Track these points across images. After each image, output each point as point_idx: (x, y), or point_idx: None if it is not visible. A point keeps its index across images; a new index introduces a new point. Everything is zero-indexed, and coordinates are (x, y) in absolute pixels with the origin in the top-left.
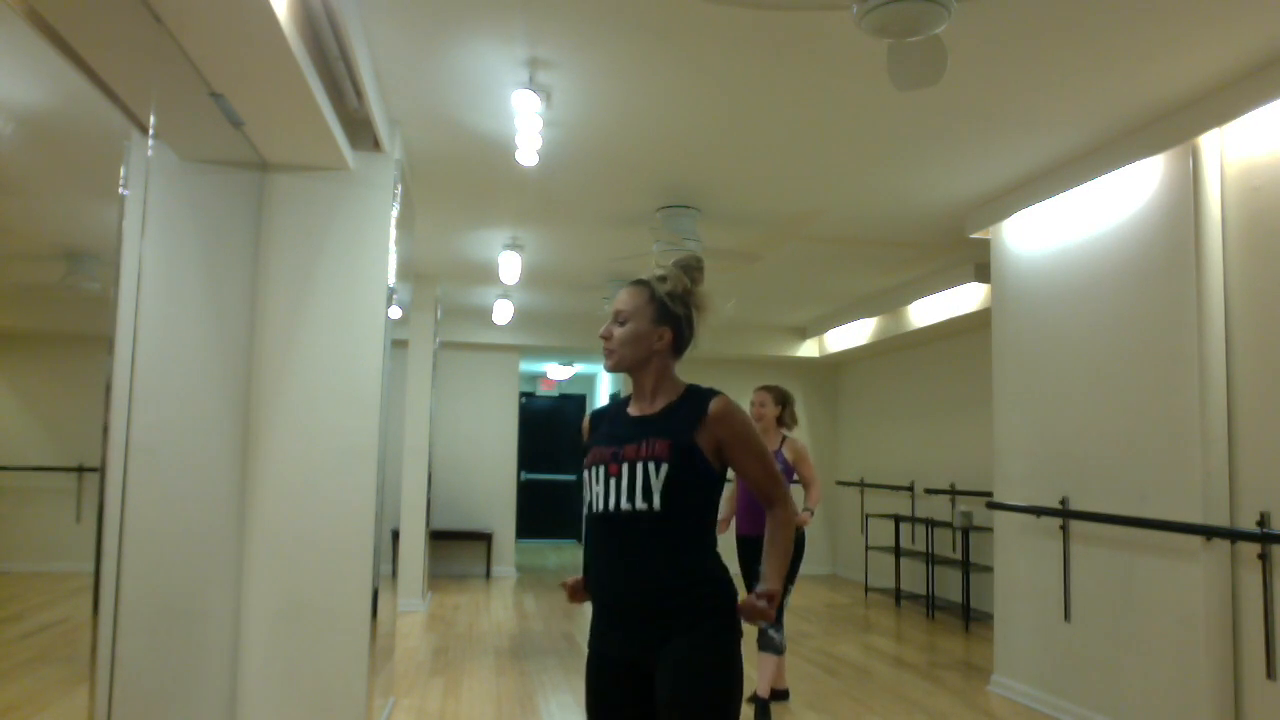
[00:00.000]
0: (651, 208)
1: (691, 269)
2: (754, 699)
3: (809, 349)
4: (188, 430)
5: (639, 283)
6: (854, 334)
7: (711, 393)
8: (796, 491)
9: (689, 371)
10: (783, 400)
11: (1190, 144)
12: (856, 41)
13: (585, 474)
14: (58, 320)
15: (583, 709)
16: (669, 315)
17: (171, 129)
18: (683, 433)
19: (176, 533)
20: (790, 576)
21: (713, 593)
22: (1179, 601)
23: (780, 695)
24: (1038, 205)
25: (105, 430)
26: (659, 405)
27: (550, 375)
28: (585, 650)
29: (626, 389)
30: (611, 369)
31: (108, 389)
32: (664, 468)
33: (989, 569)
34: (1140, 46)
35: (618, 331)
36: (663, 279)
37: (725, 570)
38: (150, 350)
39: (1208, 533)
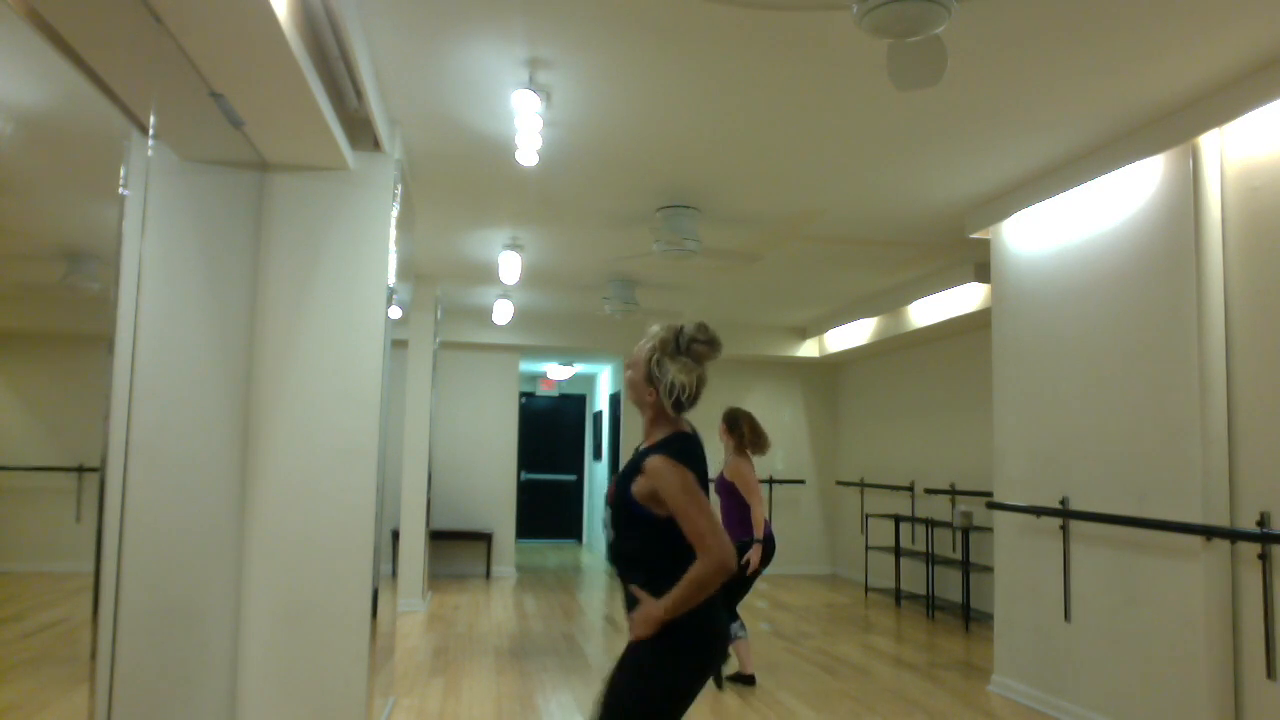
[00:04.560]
0: (651, 208)
1: (692, 343)
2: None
3: (809, 349)
4: (188, 430)
5: (651, 339)
6: (854, 334)
7: (650, 451)
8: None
9: None
10: (730, 424)
11: (1190, 144)
12: (856, 41)
13: None
14: (58, 320)
15: (582, 709)
16: (654, 378)
17: (171, 129)
18: (625, 480)
19: (176, 533)
20: (748, 585)
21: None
22: (1179, 601)
23: (747, 679)
24: (1038, 205)
25: (105, 430)
26: (644, 445)
27: (550, 375)
28: (584, 650)
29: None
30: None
31: (108, 389)
32: (608, 510)
33: (989, 569)
34: (1140, 46)
35: (628, 375)
36: (656, 350)
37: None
38: (150, 350)
39: (1208, 533)
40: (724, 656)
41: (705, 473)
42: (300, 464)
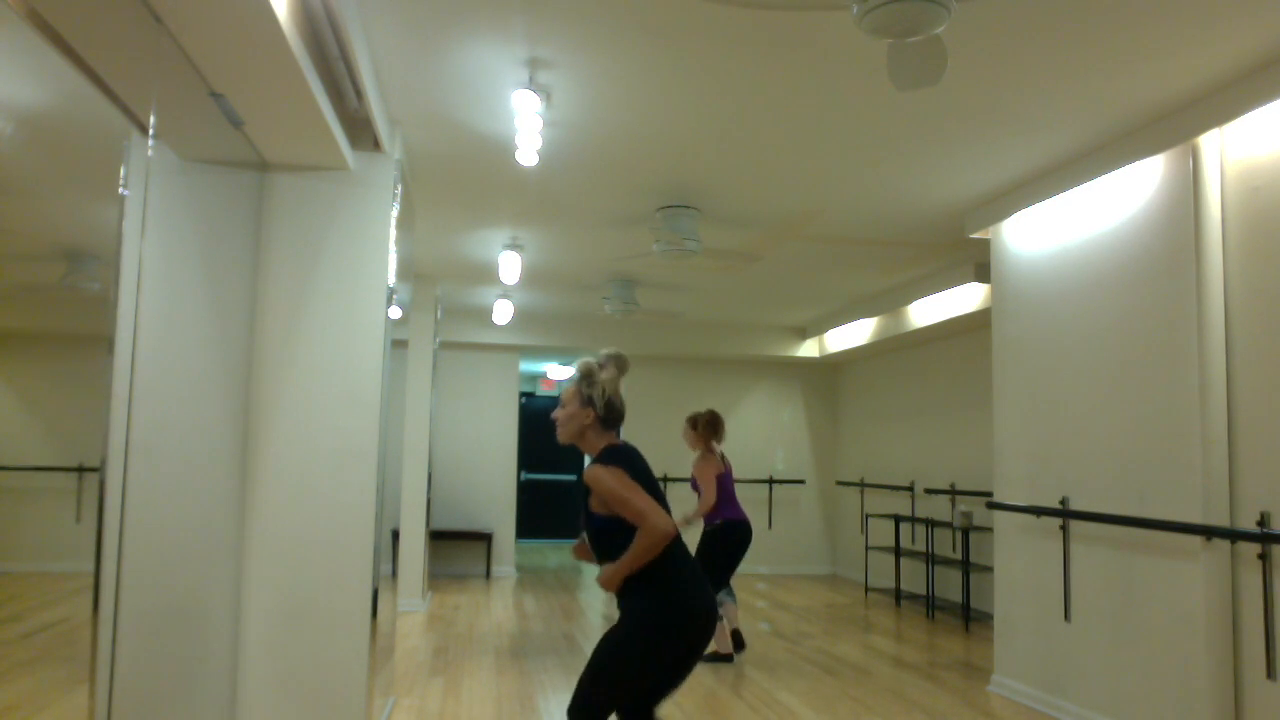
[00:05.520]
0: (651, 208)
1: (608, 361)
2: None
3: (809, 349)
4: (188, 430)
5: (573, 377)
6: (854, 334)
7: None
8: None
9: (694, 368)
10: (694, 424)
11: (1190, 144)
12: (856, 41)
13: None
14: (58, 320)
15: None
16: (588, 399)
17: (171, 129)
18: (585, 505)
19: (176, 533)
20: (730, 564)
21: (634, 602)
22: (1179, 601)
23: (739, 644)
24: (1038, 205)
25: (105, 430)
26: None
27: (550, 375)
28: (584, 650)
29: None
30: (561, 442)
31: (108, 389)
32: (581, 516)
33: (989, 569)
34: (1140, 46)
35: (560, 414)
36: (586, 373)
37: (663, 586)
38: (150, 350)
39: (1208, 533)
40: (707, 636)
41: (644, 468)
42: (300, 464)
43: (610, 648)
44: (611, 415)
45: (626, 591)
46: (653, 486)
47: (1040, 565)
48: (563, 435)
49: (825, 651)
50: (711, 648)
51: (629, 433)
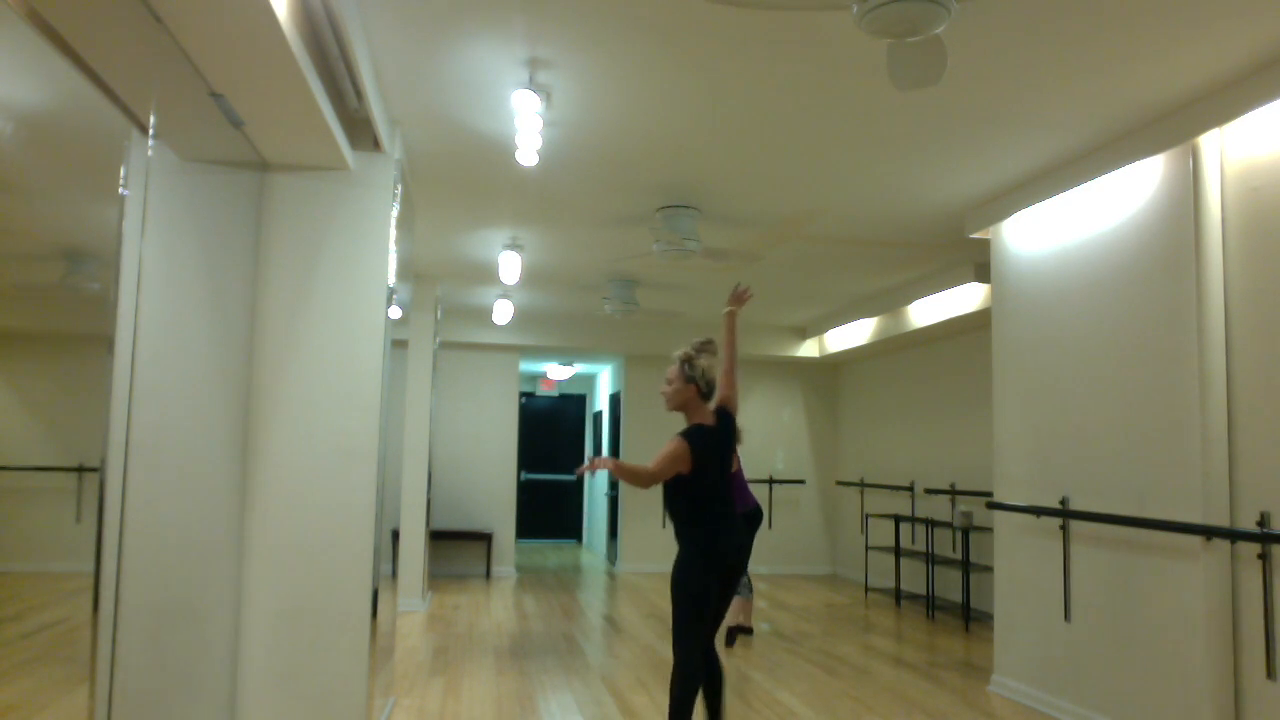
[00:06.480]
0: (651, 208)
1: (702, 348)
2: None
3: (809, 349)
4: (188, 430)
5: (678, 359)
6: (854, 334)
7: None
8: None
9: None
10: None
11: (1190, 144)
12: (856, 41)
13: None
14: (58, 320)
15: (582, 709)
16: (690, 377)
17: (171, 129)
18: None
19: (176, 533)
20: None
21: (681, 542)
22: (1179, 601)
23: (745, 630)
24: (1038, 205)
25: (105, 430)
26: None
27: (550, 375)
28: (584, 650)
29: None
30: (668, 409)
31: (108, 389)
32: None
33: (989, 569)
34: (1140, 46)
35: (668, 389)
36: (686, 358)
37: (699, 531)
38: (150, 350)
39: (1208, 533)
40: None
41: (714, 449)
42: (300, 464)
43: (677, 586)
44: (710, 390)
45: (680, 537)
46: (713, 465)
47: (1040, 565)
48: (670, 404)
49: (825, 651)
50: (738, 620)
51: (631, 432)
